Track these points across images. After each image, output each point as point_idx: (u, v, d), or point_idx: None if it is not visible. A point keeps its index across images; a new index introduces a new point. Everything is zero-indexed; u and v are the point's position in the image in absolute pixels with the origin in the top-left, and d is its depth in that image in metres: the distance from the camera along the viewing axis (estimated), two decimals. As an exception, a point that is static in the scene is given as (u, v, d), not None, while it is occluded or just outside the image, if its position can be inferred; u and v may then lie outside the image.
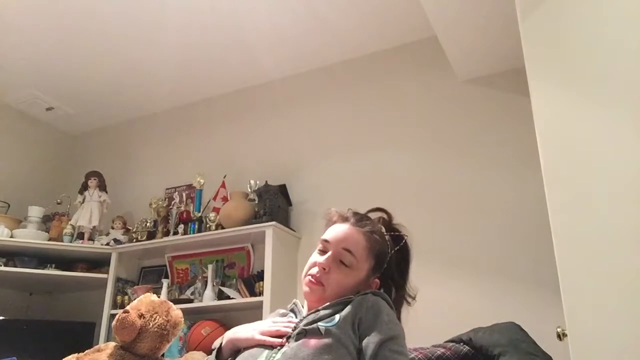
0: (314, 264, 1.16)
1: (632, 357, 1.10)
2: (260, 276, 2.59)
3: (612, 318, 1.15)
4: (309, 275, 1.15)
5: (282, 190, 2.77)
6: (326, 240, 1.17)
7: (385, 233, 1.25)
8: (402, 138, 2.70)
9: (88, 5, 2.62)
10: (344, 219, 1.21)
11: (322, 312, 1.09)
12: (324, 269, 1.13)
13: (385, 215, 1.30)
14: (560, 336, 1.30)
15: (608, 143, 1.25)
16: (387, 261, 1.22)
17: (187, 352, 2.47)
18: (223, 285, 2.71)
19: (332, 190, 2.78)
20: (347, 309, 1.08)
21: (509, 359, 1.33)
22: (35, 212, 3.06)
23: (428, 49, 2.73)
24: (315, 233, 1.31)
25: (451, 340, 1.49)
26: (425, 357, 1.42)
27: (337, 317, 1.06)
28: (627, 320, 1.13)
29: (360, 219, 1.21)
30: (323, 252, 1.17)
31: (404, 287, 1.24)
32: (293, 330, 1.07)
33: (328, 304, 1.12)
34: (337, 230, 1.18)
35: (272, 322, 1.14)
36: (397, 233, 1.27)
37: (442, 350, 1.44)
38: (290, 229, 2.73)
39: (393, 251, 1.24)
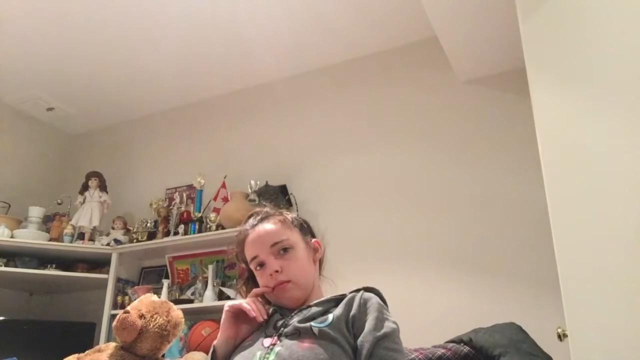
0: (268, 278, 1.13)
1: (633, 357, 1.10)
2: (260, 276, 2.59)
3: (613, 318, 1.15)
4: (275, 287, 1.13)
5: (283, 190, 2.77)
6: (255, 257, 1.16)
7: (278, 207, 1.28)
8: (402, 138, 2.70)
9: (89, 6, 2.62)
10: (248, 228, 1.20)
11: (314, 310, 1.08)
12: (277, 271, 1.12)
13: (265, 204, 1.33)
14: (561, 337, 1.30)
15: (608, 143, 1.25)
16: (300, 220, 1.25)
17: (188, 352, 2.47)
18: (223, 285, 2.71)
19: (332, 190, 2.78)
20: (340, 307, 1.07)
21: (510, 360, 1.33)
22: (35, 213, 3.05)
23: (428, 50, 2.73)
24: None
25: (452, 341, 1.49)
26: (426, 358, 1.42)
27: (330, 316, 1.05)
28: (627, 320, 1.13)
29: (257, 215, 1.23)
30: (260, 265, 1.16)
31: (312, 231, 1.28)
32: (284, 328, 1.06)
33: (320, 300, 1.11)
34: (253, 241, 1.17)
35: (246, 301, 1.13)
36: (282, 204, 1.32)
37: (443, 350, 1.44)
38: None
39: (296, 212, 1.28)
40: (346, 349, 1.00)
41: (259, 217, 1.22)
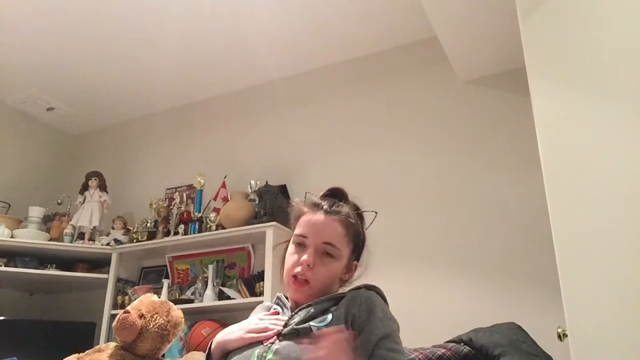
0: (297, 262, 1.12)
1: (633, 357, 1.10)
2: (260, 276, 2.59)
3: (612, 318, 1.15)
4: (294, 274, 1.11)
5: (283, 190, 2.77)
6: (303, 235, 1.13)
7: (355, 212, 1.22)
8: (402, 138, 2.70)
9: (89, 5, 2.62)
10: (315, 208, 1.17)
11: (314, 309, 1.07)
12: (309, 265, 1.10)
13: (344, 194, 1.27)
14: (561, 336, 1.30)
15: (608, 143, 1.25)
16: (361, 237, 1.21)
17: (188, 352, 2.47)
18: (223, 285, 2.71)
19: (332, 190, 2.77)
20: (340, 305, 1.07)
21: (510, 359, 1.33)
22: (35, 213, 3.06)
23: (429, 49, 2.73)
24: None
25: (452, 341, 1.49)
26: (426, 358, 1.42)
27: (329, 315, 1.04)
28: (627, 320, 1.13)
29: (331, 205, 1.17)
30: (301, 245, 1.14)
31: (361, 253, 1.23)
32: (284, 327, 1.05)
33: (320, 299, 1.10)
34: (313, 223, 1.14)
35: (258, 319, 1.12)
36: (364, 211, 1.25)
37: (443, 350, 1.44)
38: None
39: (365, 230, 1.22)
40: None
41: (335, 207, 1.17)
